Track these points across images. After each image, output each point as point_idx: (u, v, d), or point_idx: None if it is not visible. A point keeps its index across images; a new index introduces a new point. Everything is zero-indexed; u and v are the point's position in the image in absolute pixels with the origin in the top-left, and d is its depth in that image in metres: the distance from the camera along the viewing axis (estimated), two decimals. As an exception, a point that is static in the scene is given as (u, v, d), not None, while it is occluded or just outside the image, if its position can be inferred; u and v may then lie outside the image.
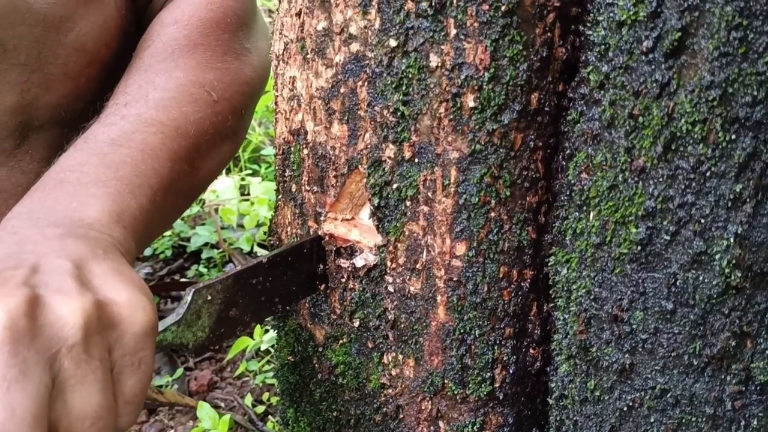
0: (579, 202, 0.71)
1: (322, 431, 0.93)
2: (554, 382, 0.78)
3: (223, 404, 1.47)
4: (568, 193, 0.73)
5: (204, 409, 1.30)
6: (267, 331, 1.49)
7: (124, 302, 0.61)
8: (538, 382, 0.82)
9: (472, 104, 0.71)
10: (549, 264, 0.76)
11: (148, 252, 1.88)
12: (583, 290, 0.72)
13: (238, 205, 1.92)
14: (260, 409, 1.43)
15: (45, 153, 0.91)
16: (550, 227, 0.76)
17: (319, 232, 0.85)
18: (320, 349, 0.89)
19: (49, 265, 0.61)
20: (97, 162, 0.77)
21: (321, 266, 0.84)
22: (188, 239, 1.91)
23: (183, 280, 1.81)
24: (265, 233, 1.84)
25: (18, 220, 0.70)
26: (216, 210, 1.92)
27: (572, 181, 0.71)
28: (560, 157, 0.74)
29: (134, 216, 0.76)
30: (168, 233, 1.94)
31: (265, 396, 1.46)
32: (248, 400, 1.45)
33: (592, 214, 0.70)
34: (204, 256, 1.85)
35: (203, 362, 1.59)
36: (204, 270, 1.80)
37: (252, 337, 1.42)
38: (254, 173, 2.14)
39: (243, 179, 2.03)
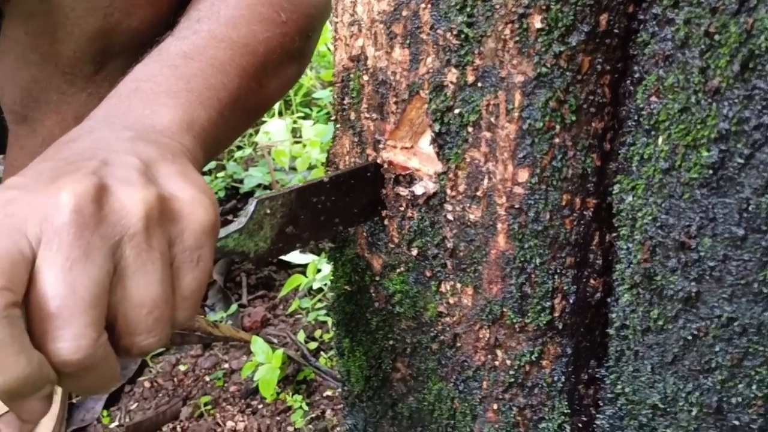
0: (647, 127, 0.69)
1: (377, 360, 0.94)
2: (615, 312, 0.78)
3: (276, 340, 1.49)
4: (635, 118, 0.71)
5: (258, 344, 1.32)
6: (319, 270, 1.51)
7: (187, 199, 0.62)
8: (598, 314, 0.82)
9: (538, 25, 0.69)
10: (613, 192, 0.75)
11: (201, 193, 1.90)
12: (649, 217, 0.70)
13: (291, 148, 1.93)
14: (312, 345, 1.45)
15: None
16: (615, 154, 0.75)
17: (378, 160, 0.84)
18: (377, 279, 0.89)
19: (119, 160, 0.62)
20: (169, 73, 0.79)
21: (383, 191, 0.84)
22: (241, 180, 1.92)
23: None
24: (320, 171, 1.84)
25: (94, 121, 0.73)
26: (269, 152, 1.92)
27: (641, 106, 0.69)
28: (628, 81, 0.72)
29: (203, 126, 0.77)
30: (221, 174, 1.95)
31: (318, 333, 1.48)
32: (301, 336, 1.46)
33: (661, 139, 0.68)
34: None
35: (256, 300, 1.61)
36: (257, 211, 1.81)
37: (304, 270, 1.44)
38: (306, 116, 2.13)
39: (295, 122, 2.03)
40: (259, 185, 1.89)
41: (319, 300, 1.51)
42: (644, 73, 0.69)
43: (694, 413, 0.72)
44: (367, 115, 0.84)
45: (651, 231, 0.70)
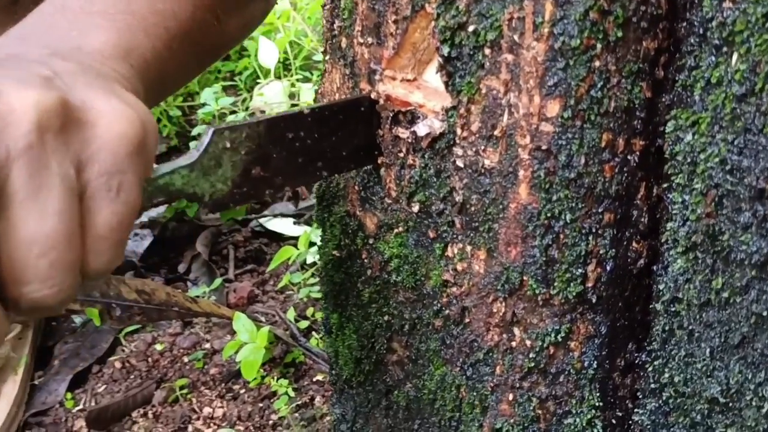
0: (717, 42, 0.54)
1: (370, 339, 0.79)
2: (663, 283, 0.62)
3: (264, 318, 1.34)
4: (700, 32, 0.55)
5: (240, 321, 1.18)
6: (313, 244, 1.36)
7: (105, 110, 0.48)
8: (640, 285, 0.66)
9: None
10: (666, 131, 0.59)
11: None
12: (716, 159, 0.55)
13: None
14: (303, 324, 1.30)
15: None
16: (671, 84, 0.59)
17: (372, 95, 0.69)
18: (371, 241, 0.75)
19: (21, 68, 0.47)
20: None
21: (379, 133, 0.69)
22: (233, 147, 1.77)
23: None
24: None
25: (5, 39, 0.59)
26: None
27: (708, 15, 0.54)
28: (690, -12, 0.57)
29: (145, 57, 0.63)
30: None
31: (310, 311, 1.34)
32: (291, 314, 1.32)
33: (735, 56, 0.53)
34: (249, 164, 1.71)
35: (244, 274, 1.47)
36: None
37: (297, 244, 1.29)
38: (306, 80, 1.98)
39: (293, 85, 1.88)
40: (251, 152, 1.74)
41: (312, 275, 1.37)
42: (715, -28, 0.53)
43: (765, 410, 0.57)
44: (361, 40, 0.69)
45: (717, 177, 0.55)
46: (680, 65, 0.58)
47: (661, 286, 0.63)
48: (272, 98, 1.78)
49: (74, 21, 0.62)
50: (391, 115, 0.68)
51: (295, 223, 1.55)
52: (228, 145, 0.59)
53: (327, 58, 0.76)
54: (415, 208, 0.69)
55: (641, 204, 0.63)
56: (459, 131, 0.64)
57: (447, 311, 0.70)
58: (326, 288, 0.84)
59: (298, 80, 1.92)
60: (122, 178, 0.48)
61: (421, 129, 0.66)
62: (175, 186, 0.57)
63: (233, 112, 1.89)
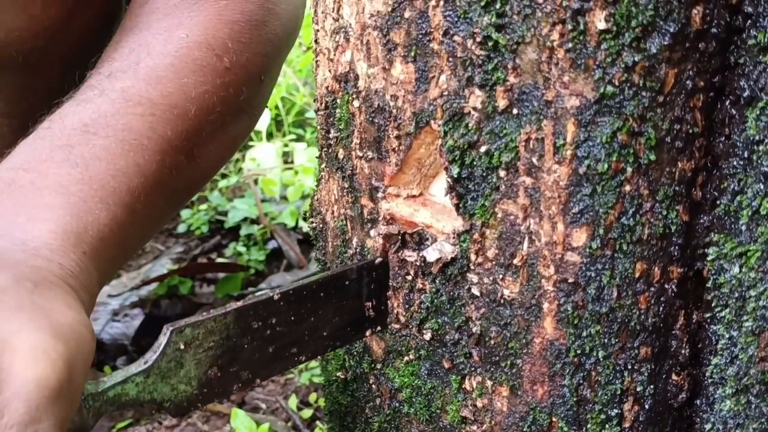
0: (766, 169, 0.47)
1: (382, 471, 0.72)
2: (710, 422, 0.56)
3: (264, 406, 1.27)
4: (743, 154, 0.49)
5: (239, 418, 1.10)
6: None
7: (20, 348, 0.42)
8: (681, 418, 0.60)
9: (602, 25, 0.48)
10: (708, 258, 0.53)
11: (182, 229, 1.69)
12: (769, 299, 0.49)
13: (281, 175, 1.71)
14: (307, 413, 1.23)
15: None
16: (709, 204, 0.53)
17: (380, 212, 0.63)
18: (379, 366, 0.68)
19: None
20: (61, 158, 0.58)
21: (371, 303, 0.62)
22: (226, 213, 1.71)
23: (220, 260, 1.62)
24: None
25: None
26: (256, 181, 1.71)
27: (754, 137, 0.48)
28: (728, 102, 0.50)
29: (101, 234, 0.57)
30: (204, 206, 1.74)
31: (312, 397, 1.26)
32: (293, 402, 1.24)
33: (789, 187, 0.46)
34: (243, 232, 1.65)
35: (242, 355, 1.40)
36: (243, 248, 1.60)
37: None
38: (299, 138, 1.92)
39: (286, 145, 1.82)
40: (245, 219, 1.67)
41: (314, 357, 1.29)
42: (760, 91, 0.47)
43: None
44: (360, 154, 0.63)
45: (772, 319, 0.49)
46: (722, 187, 0.52)
47: (707, 426, 0.56)
48: (265, 161, 1.72)
49: (24, 202, 0.55)
50: (398, 236, 0.62)
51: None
52: (188, 343, 0.53)
53: (323, 165, 0.70)
54: (427, 335, 0.63)
55: (681, 334, 0.56)
56: (473, 257, 0.58)
57: (467, 450, 0.63)
58: (331, 407, 0.77)
59: (291, 140, 1.86)
60: (36, 428, 0.42)
61: (431, 254, 0.60)
62: (128, 396, 0.51)
63: (224, 176, 1.83)
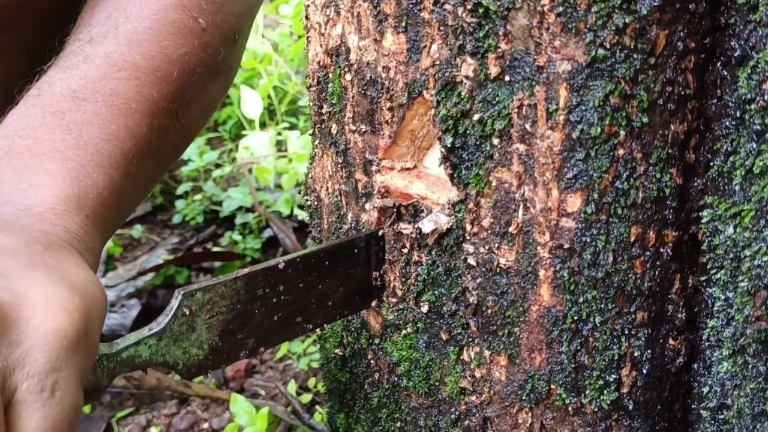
0: (758, 128, 0.48)
1: (382, 446, 0.72)
2: (708, 385, 0.56)
3: (263, 392, 1.27)
4: (735, 114, 0.49)
5: (238, 403, 1.10)
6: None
7: (40, 301, 0.43)
8: (679, 382, 0.60)
9: (592, -12, 0.48)
10: (703, 220, 0.53)
11: (177, 219, 1.69)
12: (765, 258, 0.49)
13: (275, 163, 1.71)
14: (306, 398, 1.23)
15: None
16: (703, 166, 0.53)
17: (374, 185, 0.63)
18: (377, 341, 0.68)
19: None
20: (54, 124, 0.59)
21: (379, 272, 0.63)
22: (221, 203, 1.70)
23: (215, 249, 1.61)
24: (305, 193, 1.62)
25: None
26: (250, 170, 1.71)
27: (746, 96, 0.48)
28: (719, 63, 0.50)
29: (101, 197, 0.58)
30: (198, 196, 1.74)
31: (311, 382, 1.26)
32: (292, 387, 1.24)
33: (782, 145, 0.46)
34: (238, 221, 1.64)
35: (240, 343, 1.40)
36: (238, 237, 1.60)
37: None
38: (292, 127, 1.92)
39: (279, 134, 1.81)
40: (240, 208, 1.67)
41: (313, 342, 1.30)
42: (751, 50, 0.47)
43: None
44: (353, 127, 0.62)
45: None
46: (714, 148, 0.52)
47: (705, 389, 0.56)
48: (259, 150, 1.71)
49: (23, 169, 0.56)
50: (393, 209, 0.62)
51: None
52: (200, 306, 0.53)
53: (316, 142, 0.70)
54: (424, 308, 0.63)
55: (677, 298, 0.57)
56: (468, 227, 0.58)
57: (466, 421, 0.63)
58: (330, 385, 0.77)
59: (284, 128, 1.85)
60: (57, 377, 0.43)
61: (426, 225, 0.60)
62: (141, 358, 0.52)
63: (218, 166, 1.83)
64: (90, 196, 0.56)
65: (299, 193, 1.64)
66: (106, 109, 0.60)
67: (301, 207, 1.65)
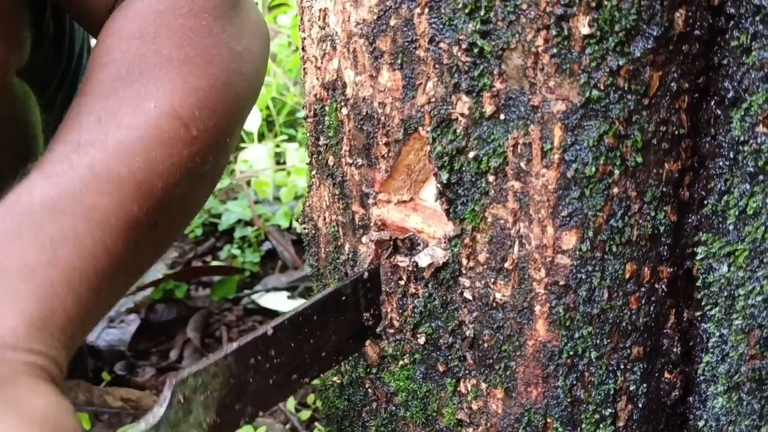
0: (752, 170, 0.48)
1: (380, 474, 0.72)
2: (703, 419, 0.56)
3: (262, 408, 1.27)
4: (729, 154, 0.50)
5: (238, 422, 1.10)
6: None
7: None
8: (674, 414, 0.60)
9: (585, 30, 0.48)
10: (697, 257, 0.53)
11: (176, 232, 1.69)
12: (758, 298, 0.49)
13: (274, 176, 1.71)
14: (305, 414, 1.23)
15: None
16: (697, 204, 0.54)
17: (371, 218, 0.63)
18: (374, 371, 0.68)
19: None
20: (29, 238, 0.57)
21: (370, 313, 0.63)
22: (219, 216, 1.71)
23: (215, 263, 1.62)
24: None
25: None
26: (249, 182, 1.71)
27: (739, 138, 0.48)
28: (713, 103, 0.51)
29: (68, 315, 0.56)
30: (197, 210, 1.74)
31: (311, 398, 1.26)
32: (291, 404, 1.25)
33: (775, 187, 0.47)
34: (237, 234, 1.65)
35: (239, 358, 1.40)
36: (237, 251, 1.60)
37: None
38: (290, 139, 1.92)
39: (278, 146, 1.82)
40: (239, 221, 1.67)
41: (311, 358, 1.30)
42: (744, 92, 0.48)
43: None
44: (350, 161, 0.63)
45: (761, 317, 0.49)
46: (708, 187, 0.52)
47: (700, 423, 0.57)
48: (257, 163, 1.72)
49: None
50: (389, 242, 0.62)
51: (289, 297, 1.48)
52: (195, 390, 0.53)
53: (313, 172, 0.70)
54: (421, 340, 0.63)
55: (672, 332, 0.57)
56: (465, 261, 0.58)
57: (464, 452, 0.63)
58: (328, 411, 0.78)
59: (282, 140, 1.85)
60: None
61: (423, 259, 0.60)
62: None
63: (218, 178, 1.82)
64: (56, 314, 0.55)
65: (298, 210, 1.64)
66: (84, 223, 0.59)
67: (299, 220, 1.65)
